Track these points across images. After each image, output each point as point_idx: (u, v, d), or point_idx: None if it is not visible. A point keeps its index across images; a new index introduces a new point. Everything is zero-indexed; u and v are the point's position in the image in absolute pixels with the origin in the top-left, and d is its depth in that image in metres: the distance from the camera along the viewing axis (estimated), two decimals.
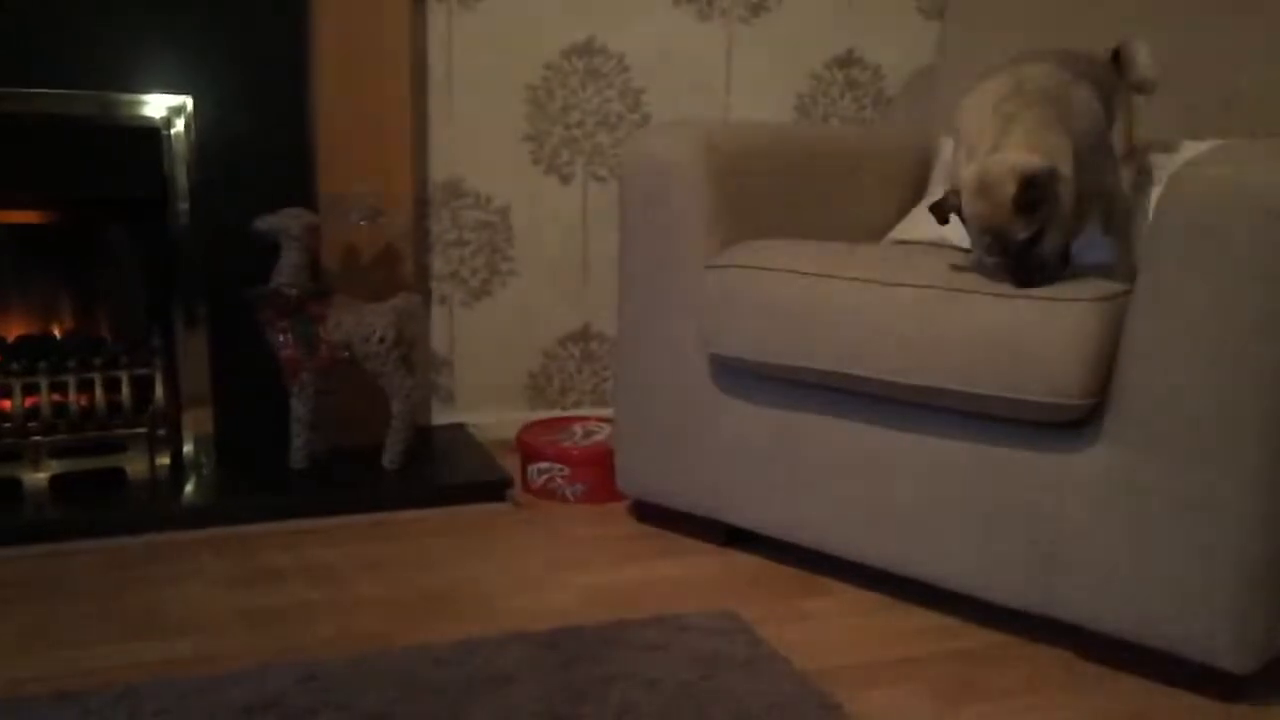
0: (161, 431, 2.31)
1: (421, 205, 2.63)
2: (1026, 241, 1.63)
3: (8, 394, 2.18)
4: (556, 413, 2.81)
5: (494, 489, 2.33)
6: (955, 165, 1.77)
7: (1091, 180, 1.72)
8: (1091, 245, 2.03)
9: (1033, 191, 1.60)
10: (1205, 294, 1.49)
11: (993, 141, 1.67)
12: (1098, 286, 1.64)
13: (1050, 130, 1.66)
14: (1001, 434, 1.71)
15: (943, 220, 1.72)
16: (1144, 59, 1.91)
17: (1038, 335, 1.61)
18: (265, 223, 2.23)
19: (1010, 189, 1.61)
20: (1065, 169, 1.64)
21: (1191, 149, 1.88)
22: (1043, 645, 1.75)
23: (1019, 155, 1.62)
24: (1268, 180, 1.44)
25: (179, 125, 2.31)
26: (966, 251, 2.05)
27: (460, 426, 2.71)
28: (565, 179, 2.75)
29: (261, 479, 2.30)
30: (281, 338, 2.25)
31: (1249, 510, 1.50)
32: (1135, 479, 1.58)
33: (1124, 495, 1.59)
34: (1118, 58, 1.93)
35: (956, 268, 1.80)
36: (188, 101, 2.31)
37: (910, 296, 1.74)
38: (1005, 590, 1.74)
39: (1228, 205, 1.46)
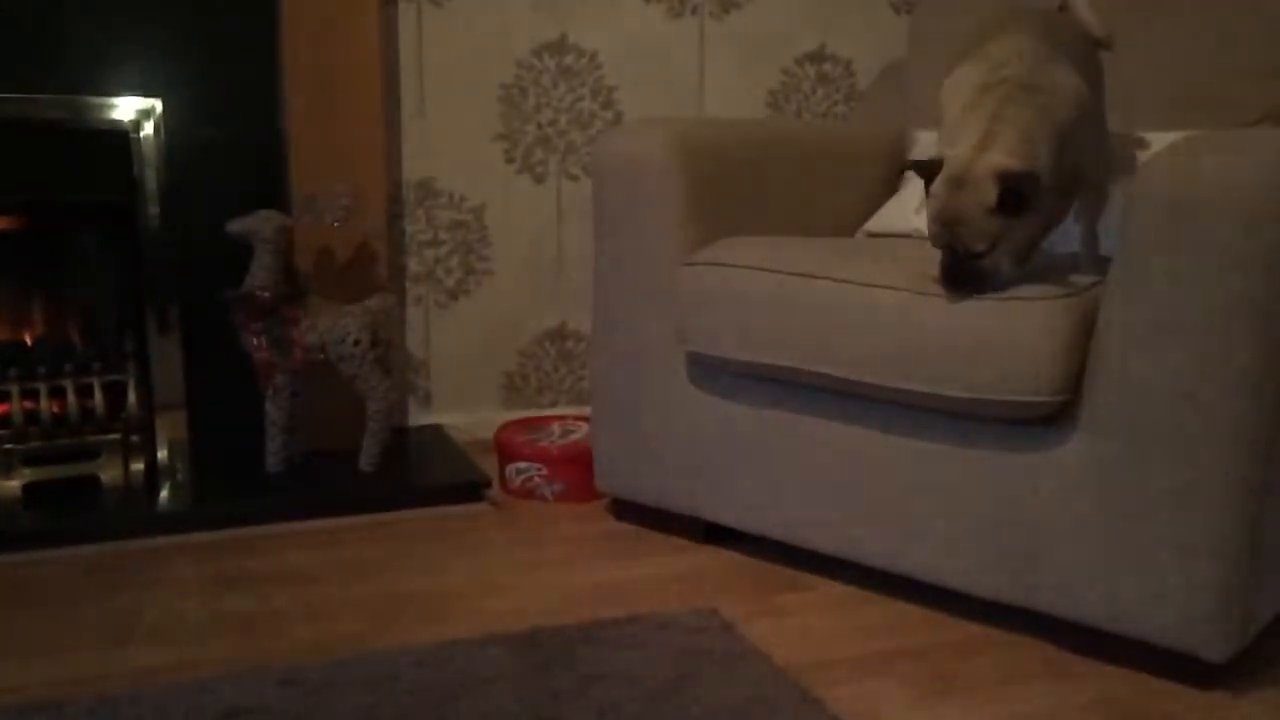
0: (135, 437, 2.29)
1: (395, 206, 2.62)
2: (977, 251, 1.60)
3: None
4: (534, 412, 2.81)
5: (472, 490, 2.33)
6: (939, 149, 1.76)
7: (1077, 165, 1.69)
8: (1062, 234, 2.04)
9: (1014, 198, 1.57)
10: (1175, 284, 1.49)
11: (979, 135, 1.62)
12: (1065, 281, 1.65)
13: (1037, 138, 1.61)
14: (977, 429, 1.71)
15: (908, 168, 1.68)
16: (1086, 15, 1.87)
17: (1008, 335, 1.61)
18: (237, 225, 2.22)
19: (992, 193, 1.57)
20: (1044, 182, 1.60)
21: (1160, 141, 1.89)
22: (1021, 636, 1.76)
23: (1007, 159, 1.58)
24: (1238, 170, 1.45)
25: (148, 128, 2.29)
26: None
27: (437, 427, 2.70)
28: (539, 178, 2.74)
29: (237, 483, 2.29)
30: (255, 341, 2.24)
31: (1223, 499, 1.51)
32: (1110, 470, 1.59)
33: (1099, 486, 1.60)
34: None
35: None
36: (157, 104, 2.29)
37: (885, 298, 1.74)
38: (983, 583, 1.75)
39: (1199, 195, 1.47)
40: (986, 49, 1.71)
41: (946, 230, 1.61)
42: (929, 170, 1.64)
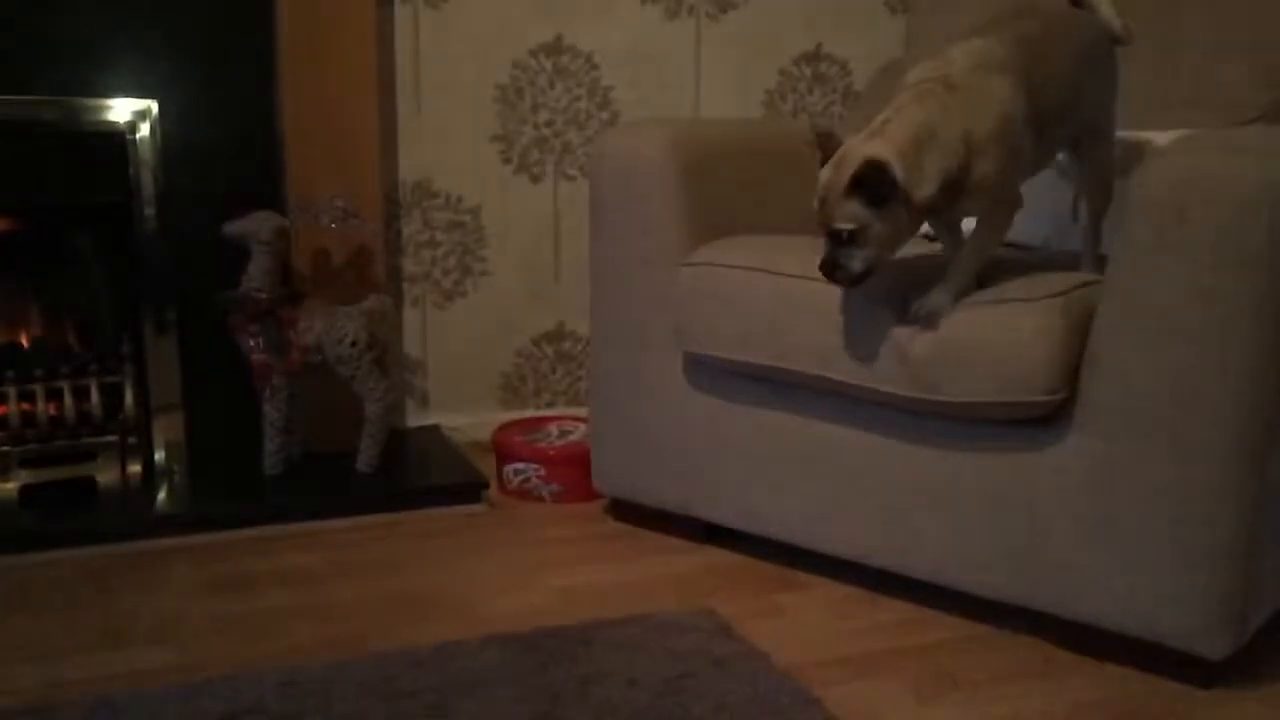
0: (132, 439, 2.29)
1: (392, 207, 2.62)
2: (839, 235, 1.59)
3: None
4: (531, 413, 2.81)
5: (470, 491, 2.33)
6: None
7: (987, 175, 1.62)
8: (1064, 234, 2.05)
9: (864, 187, 1.54)
10: (1175, 282, 1.50)
11: (878, 124, 1.60)
12: (1059, 281, 1.65)
13: (927, 143, 1.57)
14: (975, 429, 1.71)
15: (817, 145, 1.65)
16: (1106, 10, 1.83)
17: (1002, 337, 1.62)
18: (234, 227, 2.21)
19: (849, 172, 1.55)
20: (922, 191, 1.57)
21: (1159, 140, 1.89)
22: (1020, 635, 1.76)
23: (882, 149, 1.56)
24: (1235, 169, 1.46)
25: (144, 130, 2.28)
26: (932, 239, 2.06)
27: (435, 428, 2.70)
28: (536, 178, 2.74)
29: (235, 485, 2.29)
30: (252, 342, 2.24)
31: (1221, 496, 1.51)
32: (1107, 468, 1.59)
33: (1097, 484, 1.60)
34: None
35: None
36: (153, 105, 2.28)
37: (882, 300, 1.74)
38: (982, 581, 1.75)
39: (1196, 194, 1.47)
40: (949, 50, 1.69)
41: (819, 205, 1.60)
42: (826, 146, 1.63)
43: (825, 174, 1.61)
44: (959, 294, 1.69)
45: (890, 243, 1.61)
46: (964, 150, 1.59)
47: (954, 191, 1.61)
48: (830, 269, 1.63)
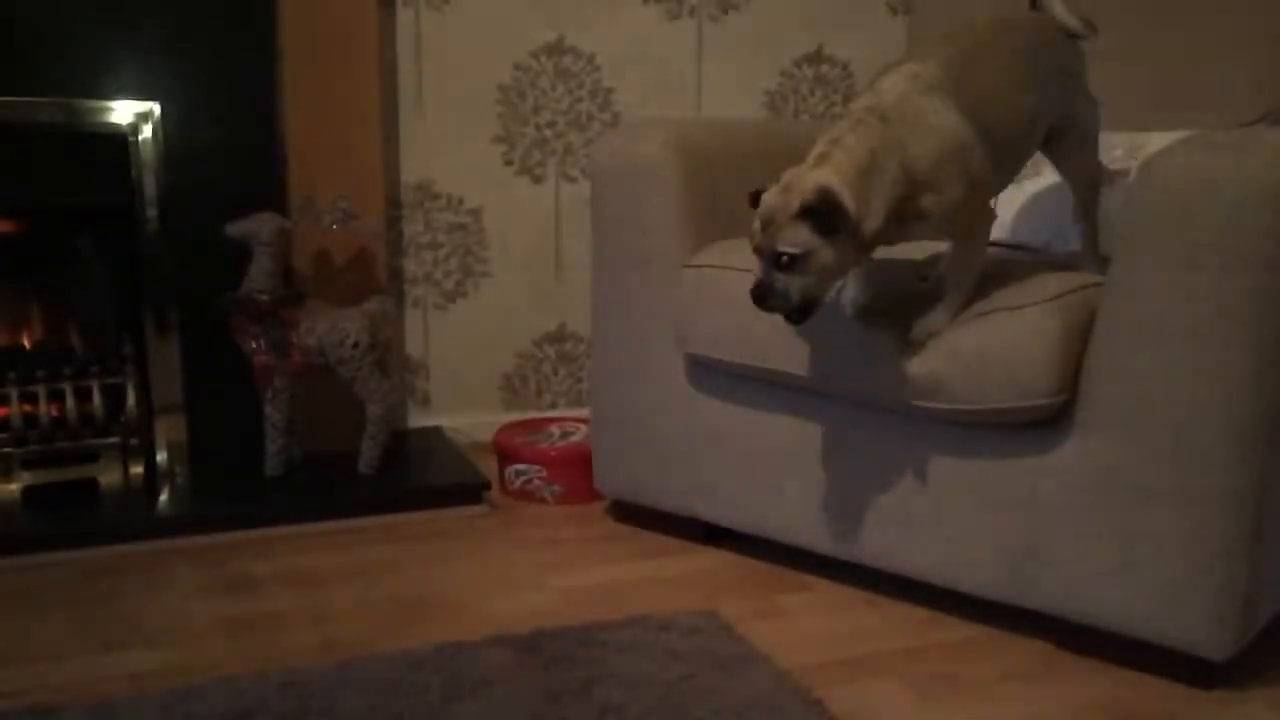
0: (134, 440, 2.29)
1: (394, 208, 2.62)
2: (779, 258, 1.53)
3: None
4: (533, 414, 2.81)
5: (472, 492, 2.33)
6: None
7: (938, 201, 1.59)
8: (1062, 235, 2.05)
9: (815, 214, 1.50)
10: (1175, 283, 1.50)
11: (816, 156, 1.56)
12: (1059, 283, 1.65)
13: (872, 176, 1.53)
14: (976, 431, 1.71)
15: (751, 203, 1.59)
16: (1060, 11, 1.79)
17: (1003, 342, 1.62)
18: (235, 228, 2.21)
19: (799, 199, 1.51)
20: (869, 224, 1.53)
21: (1160, 140, 1.89)
22: (1022, 637, 1.76)
23: (832, 177, 1.51)
24: (1236, 169, 1.46)
25: (146, 131, 2.28)
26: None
27: (436, 430, 2.70)
28: (537, 179, 2.74)
29: (236, 486, 2.29)
30: (254, 344, 2.24)
31: (1223, 499, 1.51)
32: (1109, 469, 1.59)
33: (1098, 486, 1.60)
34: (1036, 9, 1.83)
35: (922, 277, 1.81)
36: (155, 107, 2.28)
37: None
38: (984, 583, 1.75)
39: (1197, 194, 1.47)
40: (879, 80, 1.64)
41: (762, 229, 1.55)
42: (755, 195, 1.59)
43: (770, 198, 1.55)
44: (957, 313, 1.69)
45: (831, 274, 1.55)
46: (905, 180, 1.55)
47: (900, 222, 1.57)
48: (763, 294, 1.56)
